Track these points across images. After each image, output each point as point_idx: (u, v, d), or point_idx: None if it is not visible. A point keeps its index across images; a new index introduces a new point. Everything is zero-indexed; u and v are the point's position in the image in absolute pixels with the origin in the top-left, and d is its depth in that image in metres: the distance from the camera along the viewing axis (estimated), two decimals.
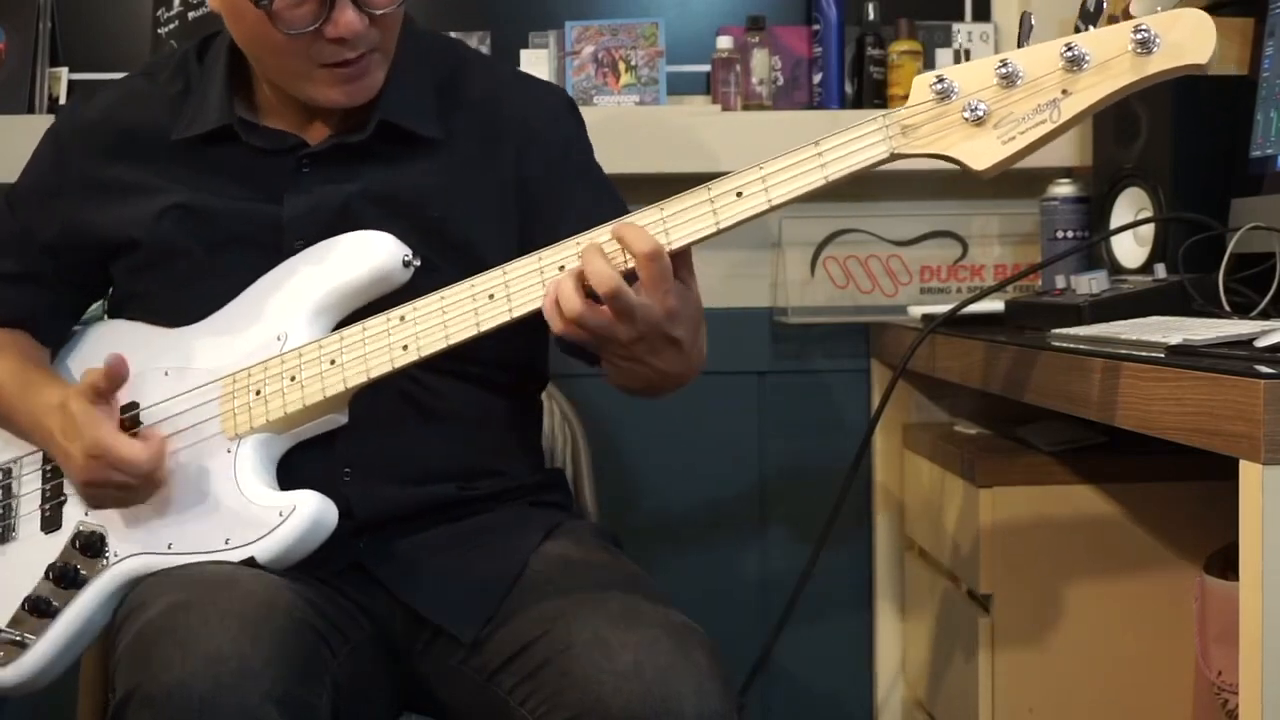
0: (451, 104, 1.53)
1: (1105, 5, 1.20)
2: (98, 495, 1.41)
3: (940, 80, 1.21)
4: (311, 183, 1.48)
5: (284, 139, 1.49)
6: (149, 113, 1.53)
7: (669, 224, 1.26)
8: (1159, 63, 1.15)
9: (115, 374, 1.38)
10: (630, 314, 1.23)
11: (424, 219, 1.46)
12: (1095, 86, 1.17)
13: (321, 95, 1.43)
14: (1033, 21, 1.22)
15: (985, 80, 1.20)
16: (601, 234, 1.26)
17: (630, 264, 1.24)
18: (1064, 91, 1.18)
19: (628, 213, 1.28)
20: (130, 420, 1.43)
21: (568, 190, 1.53)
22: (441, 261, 1.42)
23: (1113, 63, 1.16)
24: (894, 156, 1.23)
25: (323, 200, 1.47)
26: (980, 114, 1.19)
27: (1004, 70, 1.19)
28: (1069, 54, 1.17)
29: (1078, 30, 1.19)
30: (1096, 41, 1.17)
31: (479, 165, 1.51)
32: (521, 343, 1.50)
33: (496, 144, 1.52)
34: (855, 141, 1.23)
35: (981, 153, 1.20)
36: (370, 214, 1.45)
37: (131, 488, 1.38)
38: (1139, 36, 1.15)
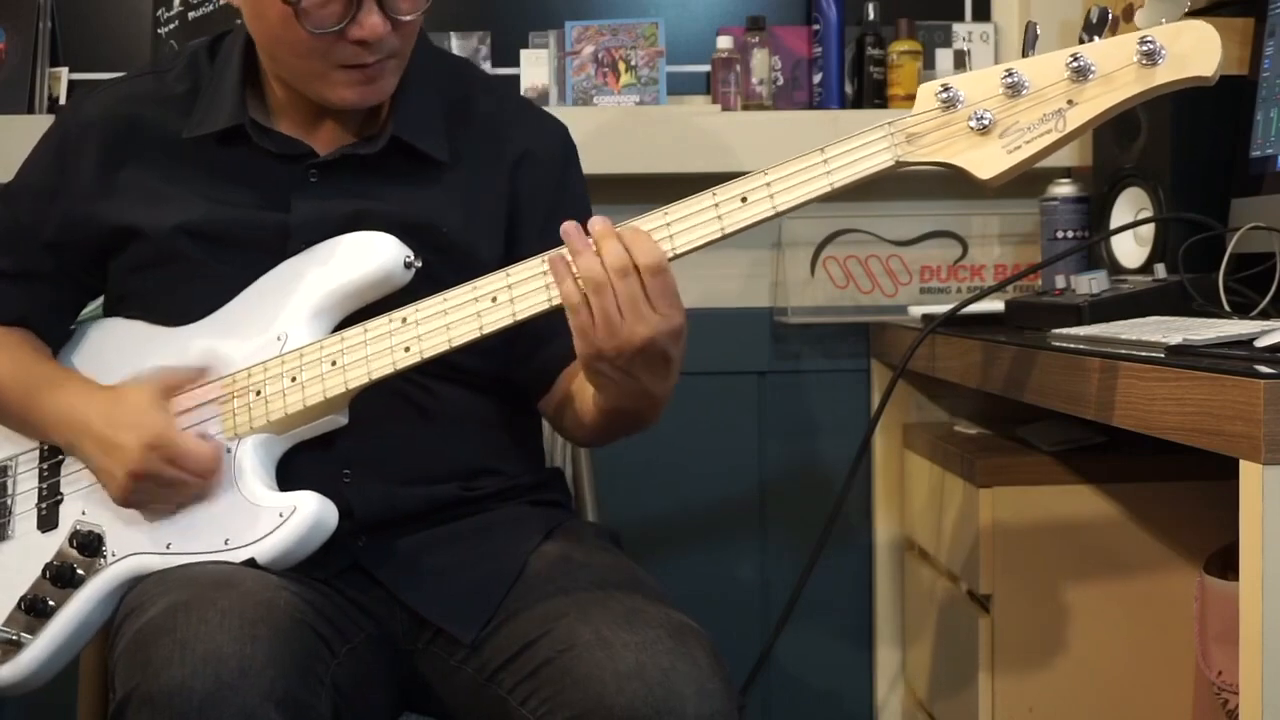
0: (460, 126, 1.53)
1: (1110, 15, 1.20)
2: (140, 490, 1.38)
3: (946, 89, 1.21)
4: (319, 192, 1.48)
5: (294, 146, 1.48)
6: (158, 111, 1.52)
7: (673, 229, 1.26)
8: (1164, 74, 1.16)
9: (199, 377, 1.40)
10: (667, 292, 1.23)
11: (432, 234, 1.46)
12: (1101, 97, 1.17)
13: (335, 95, 1.43)
14: (1038, 31, 1.22)
15: (991, 89, 1.20)
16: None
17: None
18: (1069, 102, 1.18)
19: None
20: None
21: (554, 227, 1.53)
22: (451, 279, 1.40)
23: (1118, 74, 1.17)
24: (899, 164, 1.22)
25: (331, 208, 1.46)
26: (986, 123, 1.19)
27: (1010, 80, 1.19)
28: (1075, 64, 1.17)
29: (1082, 40, 1.19)
30: (1102, 53, 1.17)
31: (482, 189, 1.52)
32: (524, 346, 1.50)
33: (496, 168, 1.53)
34: (861, 149, 1.23)
35: (986, 162, 1.20)
36: (378, 224, 1.44)
37: (179, 486, 1.37)
38: (1144, 48, 1.15)
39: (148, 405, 1.38)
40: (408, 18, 1.40)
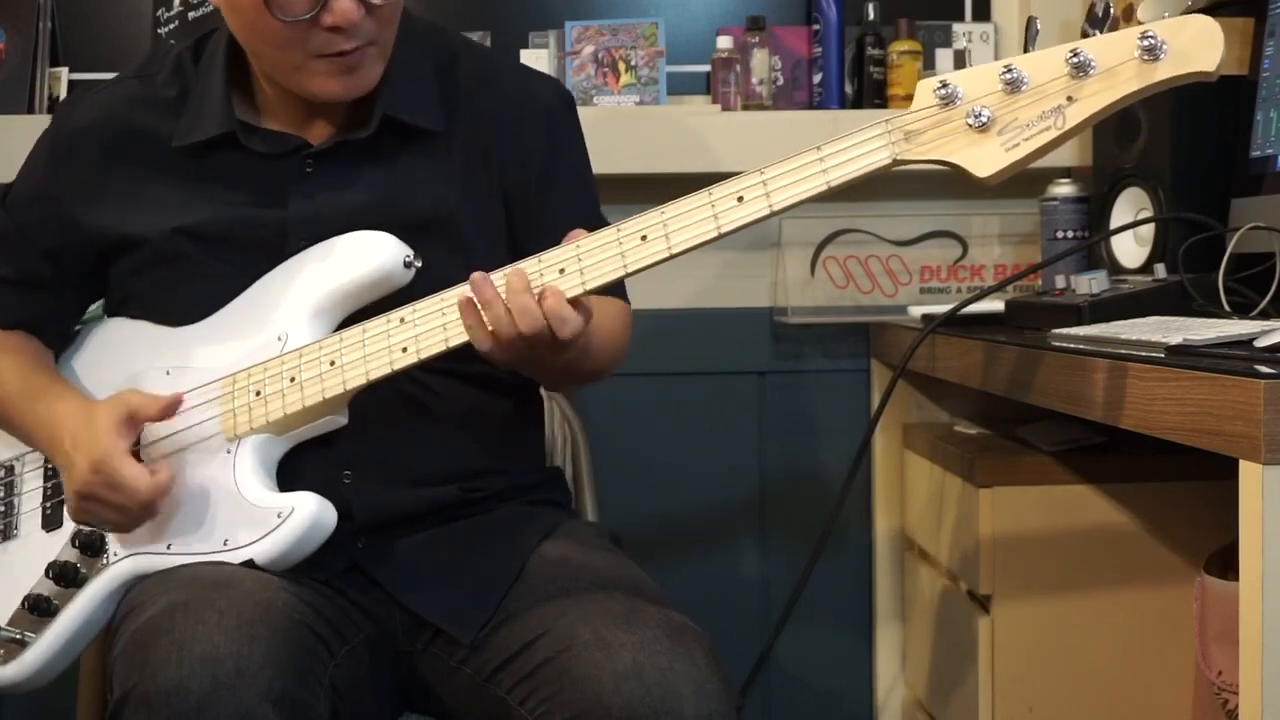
0: (450, 89, 1.52)
1: (1113, 10, 1.19)
2: (88, 510, 1.39)
3: (944, 85, 1.20)
4: (316, 184, 1.47)
5: (286, 141, 1.48)
6: (147, 117, 1.51)
7: (669, 228, 1.26)
8: (1165, 70, 1.14)
9: (170, 409, 1.39)
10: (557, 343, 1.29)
11: (426, 220, 1.46)
12: (1101, 93, 1.16)
13: (318, 88, 1.42)
14: (1038, 27, 1.21)
15: (990, 86, 1.19)
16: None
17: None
18: (1069, 98, 1.16)
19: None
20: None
21: (551, 194, 1.53)
22: (444, 265, 1.41)
23: (1119, 69, 1.15)
24: (896, 163, 1.21)
25: (327, 202, 1.46)
26: (984, 120, 1.18)
27: (1009, 76, 1.18)
28: (1074, 60, 1.15)
29: (1084, 35, 1.18)
30: (1102, 48, 1.16)
31: (476, 156, 1.51)
32: None
33: (491, 133, 1.52)
34: (858, 147, 1.22)
35: (984, 159, 1.19)
36: (373, 218, 1.44)
37: (124, 511, 1.38)
38: (1145, 43, 1.13)
39: (104, 429, 1.38)
40: (381, 2, 1.39)
